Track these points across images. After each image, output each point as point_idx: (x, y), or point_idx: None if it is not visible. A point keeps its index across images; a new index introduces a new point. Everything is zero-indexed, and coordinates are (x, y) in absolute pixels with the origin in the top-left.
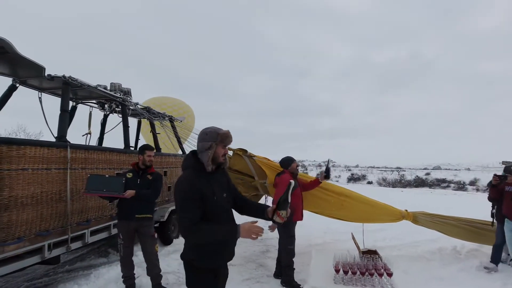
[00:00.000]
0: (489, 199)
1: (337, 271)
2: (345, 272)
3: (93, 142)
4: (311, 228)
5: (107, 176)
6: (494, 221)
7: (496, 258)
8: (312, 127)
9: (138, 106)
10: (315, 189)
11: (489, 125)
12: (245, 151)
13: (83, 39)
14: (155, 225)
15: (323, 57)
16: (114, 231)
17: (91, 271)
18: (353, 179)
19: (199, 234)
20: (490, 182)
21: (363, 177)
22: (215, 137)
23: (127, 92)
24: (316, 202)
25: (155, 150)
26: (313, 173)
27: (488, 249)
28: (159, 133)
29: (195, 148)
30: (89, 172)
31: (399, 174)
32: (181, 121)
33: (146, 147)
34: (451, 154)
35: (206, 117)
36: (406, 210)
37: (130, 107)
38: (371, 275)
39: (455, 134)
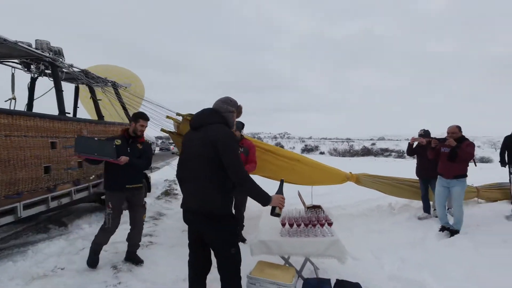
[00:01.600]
0: (409, 153)
1: (283, 225)
2: (291, 225)
3: (21, 109)
4: None
5: (96, 139)
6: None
7: (426, 208)
8: (271, 101)
9: (74, 68)
10: (267, 154)
11: (430, 101)
12: None
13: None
14: (102, 197)
15: (283, 30)
16: (53, 204)
17: (28, 247)
18: (306, 150)
19: (253, 184)
20: (409, 143)
21: (316, 148)
22: (236, 106)
23: (58, 52)
24: (268, 167)
25: (148, 121)
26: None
27: (417, 204)
28: (100, 100)
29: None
30: (14, 140)
31: (348, 145)
32: (125, 88)
33: (141, 115)
34: (395, 126)
35: (161, 90)
36: (351, 173)
37: (64, 69)
38: (314, 225)
39: (400, 109)
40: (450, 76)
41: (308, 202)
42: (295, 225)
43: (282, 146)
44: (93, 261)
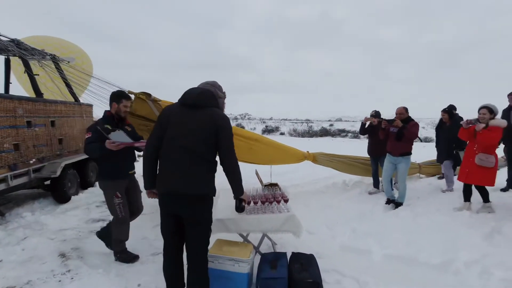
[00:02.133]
0: (361, 133)
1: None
2: (248, 203)
3: None
4: (219, 174)
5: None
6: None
7: (376, 183)
8: (229, 81)
9: (1, 37)
10: None
11: (381, 85)
12: (148, 95)
13: None
14: (46, 182)
15: (242, 9)
16: None
17: None
18: (267, 130)
19: (239, 174)
20: (362, 123)
21: (277, 128)
22: (223, 92)
23: None
24: None
25: (132, 100)
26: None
27: (368, 180)
28: (38, 75)
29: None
30: None
31: (308, 126)
32: (68, 62)
33: (123, 95)
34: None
35: (112, 67)
36: (308, 152)
37: None
38: (270, 202)
39: (355, 92)
40: (399, 61)
41: (266, 180)
42: (252, 203)
43: (243, 127)
44: (130, 258)
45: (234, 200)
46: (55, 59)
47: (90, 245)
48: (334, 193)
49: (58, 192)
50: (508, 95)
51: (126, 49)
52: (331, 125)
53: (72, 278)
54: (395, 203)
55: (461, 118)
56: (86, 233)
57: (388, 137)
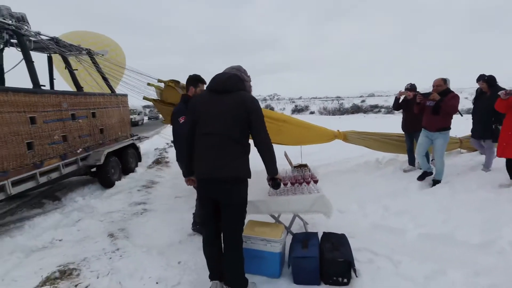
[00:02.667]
0: (395, 108)
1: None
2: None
3: None
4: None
5: None
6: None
7: (411, 160)
8: (255, 62)
9: (42, 36)
10: None
11: (418, 54)
12: (177, 82)
13: None
14: (92, 170)
15: None
16: (43, 179)
17: (25, 222)
18: (296, 110)
19: (273, 152)
20: (396, 98)
21: (306, 107)
22: (248, 75)
23: (22, 18)
24: None
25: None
26: None
27: (402, 157)
28: (77, 70)
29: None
30: None
31: (338, 103)
32: (102, 55)
33: (199, 79)
34: (384, 82)
35: (138, 56)
36: (338, 131)
37: (31, 37)
38: (300, 183)
39: (388, 63)
40: (434, 26)
41: (296, 161)
42: (282, 185)
43: (272, 108)
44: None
45: (266, 182)
46: (90, 54)
47: (134, 226)
48: (366, 172)
49: (103, 178)
50: None
51: (152, 36)
52: (362, 101)
53: (120, 256)
54: (433, 180)
55: (503, 89)
56: (129, 215)
57: (424, 111)
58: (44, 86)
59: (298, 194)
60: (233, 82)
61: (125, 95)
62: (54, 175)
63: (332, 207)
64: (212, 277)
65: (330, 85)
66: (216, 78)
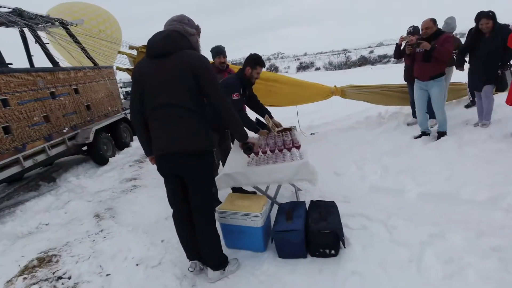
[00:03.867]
0: (396, 56)
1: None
2: (256, 154)
3: None
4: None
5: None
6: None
7: (415, 112)
8: (254, 19)
9: (1, 9)
10: None
11: None
12: None
13: None
14: (83, 148)
15: None
16: (28, 163)
17: (18, 207)
18: (301, 67)
19: (235, 116)
20: (397, 44)
21: (311, 64)
22: (195, 26)
23: None
24: None
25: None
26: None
27: (407, 110)
28: (48, 43)
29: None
30: None
31: (345, 56)
32: (76, 25)
33: (258, 61)
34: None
35: (133, 23)
36: (335, 86)
37: None
38: (280, 151)
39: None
40: None
41: (294, 122)
42: (260, 153)
43: (276, 68)
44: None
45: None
46: (63, 24)
47: (122, 204)
48: (367, 128)
49: (96, 155)
50: None
51: (144, 1)
52: (371, 52)
53: (104, 237)
54: (437, 133)
55: (506, 26)
56: (118, 193)
57: (415, 59)
58: (12, 64)
59: (279, 162)
60: (172, 41)
61: (110, 67)
62: (41, 157)
63: (317, 173)
64: (190, 256)
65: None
66: (152, 40)
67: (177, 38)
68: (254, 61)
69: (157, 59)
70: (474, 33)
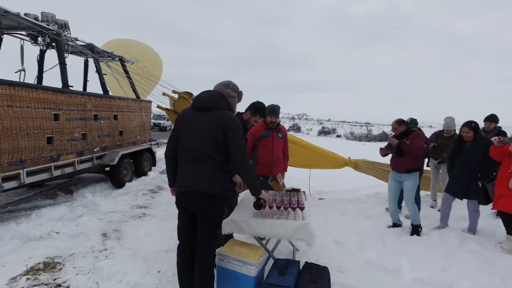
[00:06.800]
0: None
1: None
2: (266, 207)
3: (31, 81)
4: None
5: None
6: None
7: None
8: (288, 79)
9: (78, 42)
10: None
11: (457, 86)
12: (191, 94)
13: None
14: (106, 169)
15: (302, 6)
16: (56, 172)
17: (34, 211)
18: (323, 132)
19: (252, 172)
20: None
21: (333, 130)
22: (238, 92)
23: (64, 25)
24: None
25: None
26: (286, 125)
27: None
28: (105, 74)
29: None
30: (17, 111)
31: (367, 129)
32: (132, 63)
33: (260, 110)
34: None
35: (177, 63)
36: (349, 158)
37: (69, 42)
38: (286, 208)
39: (425, 93)
40: (474, 58)
41: (306, 184)
42: (267, 207)
43: (299, 128)
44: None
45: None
46: (122, 61)
47: (128, 228)
48: (375, 204)
49: (115, 178)
50: None
51: (192, 46)
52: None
53: (106, 256)
54: (412, 225)
55: (486, 138)
56: (128, 217)
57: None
58: (72, 86)
59: (283, 219)
60: (214, 100)
61: (149, 102)
62: (69, 169)
63: (314, 236)
64: None
65: (361, 110)
66: (199, 96)
67: (219, 99)
68: (257, 109)
69: (198, 111)
70: (457, 139)
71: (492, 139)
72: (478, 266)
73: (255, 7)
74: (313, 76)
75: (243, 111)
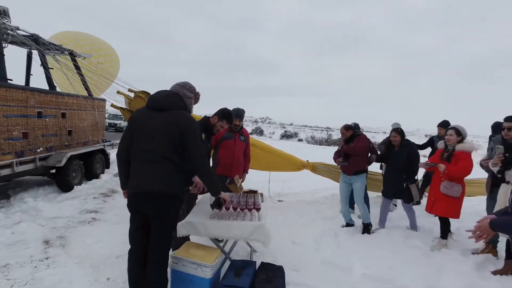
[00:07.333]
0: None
1: (213, 208)
2: (227, 208)
3: None
4: None
5: None
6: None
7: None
8: (254, 83)
9: (20, 32)
10: None
11: (411, 95)
12: (148, 93)
13: None
14: (52, 171)
15: (270, 12)
16: None
17: None
18: (285, 136)
19: (210, 173)
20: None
21: (295, 134)
22: (195, 93)
23: (2, 12)
24: None
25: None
26: (249, 128)
27: (370, 194)
28: (52, 68)
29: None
30: None
31: (327, 134)
32: (84, 58)
33: (227, 116)
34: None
35: (143, 63)
36: (308, 161)
37: (9, 31)
38: (242, 210)
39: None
40: (429, 71)
41: (266, 187)
42: (224, 209)
43: (261, 131)
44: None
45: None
46: (72, 55)
47: (75, 235)
48: (331, 205)
49: (62, 181)
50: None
51: (154, 46)
52: None
53: (48, 266)
54: (363, 224)
55: (411, 143)
56: (75, 222)
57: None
58: (12, 80)
59: (239, 220)
60: (170, 100)
61: (103, 100)
62: (5, 171)
63: (270, 237)
64: None
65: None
66: (154, 96)
67: (175, 99)
68: (224, 115)
69: (153, 111)
70: (387, 143)
71: (420, 164)
72: (418, 260)
73: (221, 10)
74: (279, 81)
75: (211, 114)
